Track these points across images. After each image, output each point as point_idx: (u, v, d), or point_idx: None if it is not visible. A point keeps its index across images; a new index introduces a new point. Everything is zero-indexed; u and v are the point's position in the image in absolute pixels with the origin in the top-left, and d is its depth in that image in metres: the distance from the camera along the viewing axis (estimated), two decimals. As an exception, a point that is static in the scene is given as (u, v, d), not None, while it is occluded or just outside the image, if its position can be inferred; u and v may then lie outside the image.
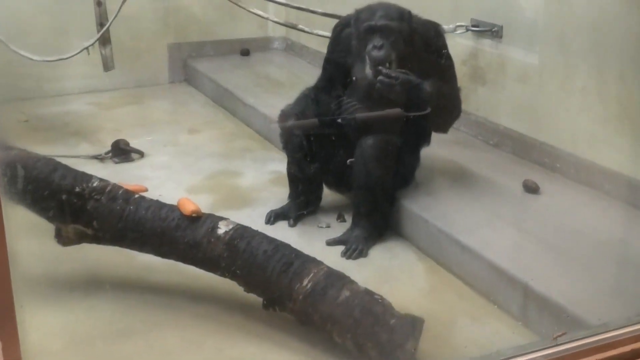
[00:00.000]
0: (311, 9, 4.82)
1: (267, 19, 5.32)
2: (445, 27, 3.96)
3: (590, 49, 3.78)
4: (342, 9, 4.08)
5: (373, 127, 3.61)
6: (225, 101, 5.83)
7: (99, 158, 4.62)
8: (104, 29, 5.03)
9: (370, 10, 3.65)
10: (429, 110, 3.57)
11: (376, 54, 3.53)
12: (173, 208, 3.03)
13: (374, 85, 3.53)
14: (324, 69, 3.92)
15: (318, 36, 4.87)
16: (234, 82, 5.92)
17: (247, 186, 4.34)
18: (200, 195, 4.05)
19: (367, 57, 3.56)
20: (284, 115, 3.71)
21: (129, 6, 5.20)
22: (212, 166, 4.62)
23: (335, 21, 3.98)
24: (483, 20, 4.49)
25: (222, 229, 2.94)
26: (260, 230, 2.97)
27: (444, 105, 3.69)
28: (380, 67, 3.50)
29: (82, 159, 4.50)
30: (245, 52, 6.88)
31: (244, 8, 5.13)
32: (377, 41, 3.54)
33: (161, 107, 5.94)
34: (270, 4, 5.51)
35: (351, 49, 3.71)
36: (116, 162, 4.61)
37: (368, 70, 3.56)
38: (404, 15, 3.62)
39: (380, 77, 3.49)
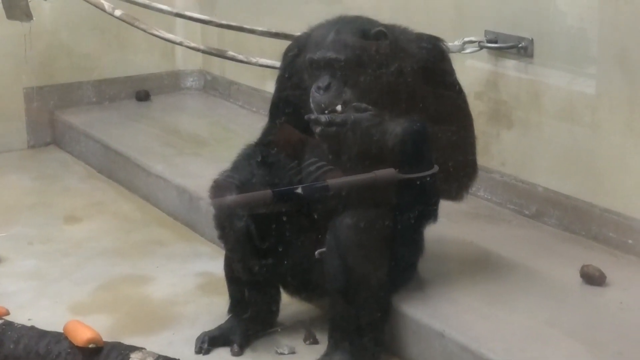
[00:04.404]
0: (247, 26, 4.86)
1: (178, 44, 5.36)
2: (449, 44, 4.04)
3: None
4: (295, 25, 4.14)
5: (352, 199, 3.63)
6: (117, 171, 5.85)
7: None
8: None
9: (322, 31, 3.72)
10: (435, 169, 3.59)
11: (319, 98, 3.59)
12: (58, 337, 3.03)
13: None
14: (272, 115, 3.97)
15: (259, 66, 4.93)
16: (129, 142, 5.96)
17: (162, 298, 4.32)
18: (93, 315, 3.98)
19: (311, 103, 3.62)
20: (219, 188, 3.70)
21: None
22: (106, 271, 4.60)
23: (285, 44, 4.04)
24: (503, 33, 4.59)
25: (136, 364, 2.93)
26: (192, 363, 2.97)
27: (454, 159, 3.73)
28: (317, 116, 3.54)
29: None
30: (144, 96, 6.92)
31: (141, 29, 5.17)
32: (322, 80, 3.60)
33: (19, 185, 5.92)
34: (180, 23, 5.59)
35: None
36: (-44, 273, 4.57)
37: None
38: (371, 36, 3.66)
39: (319, 128, 3.53)
